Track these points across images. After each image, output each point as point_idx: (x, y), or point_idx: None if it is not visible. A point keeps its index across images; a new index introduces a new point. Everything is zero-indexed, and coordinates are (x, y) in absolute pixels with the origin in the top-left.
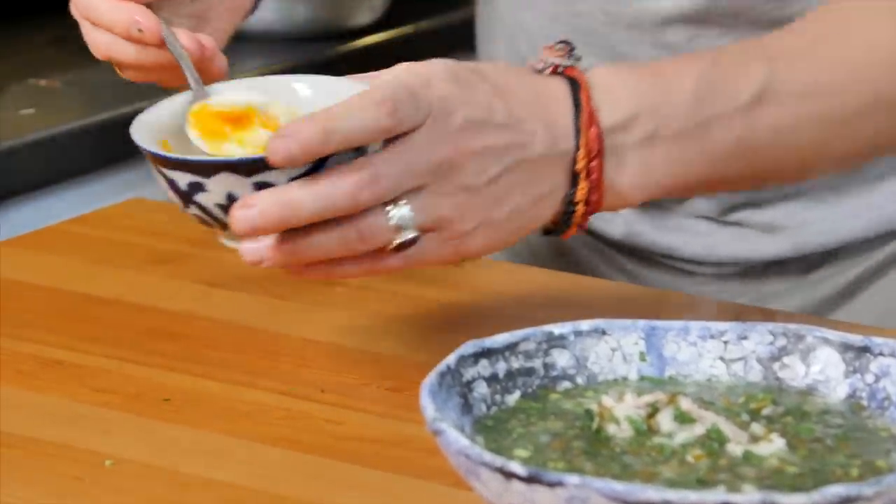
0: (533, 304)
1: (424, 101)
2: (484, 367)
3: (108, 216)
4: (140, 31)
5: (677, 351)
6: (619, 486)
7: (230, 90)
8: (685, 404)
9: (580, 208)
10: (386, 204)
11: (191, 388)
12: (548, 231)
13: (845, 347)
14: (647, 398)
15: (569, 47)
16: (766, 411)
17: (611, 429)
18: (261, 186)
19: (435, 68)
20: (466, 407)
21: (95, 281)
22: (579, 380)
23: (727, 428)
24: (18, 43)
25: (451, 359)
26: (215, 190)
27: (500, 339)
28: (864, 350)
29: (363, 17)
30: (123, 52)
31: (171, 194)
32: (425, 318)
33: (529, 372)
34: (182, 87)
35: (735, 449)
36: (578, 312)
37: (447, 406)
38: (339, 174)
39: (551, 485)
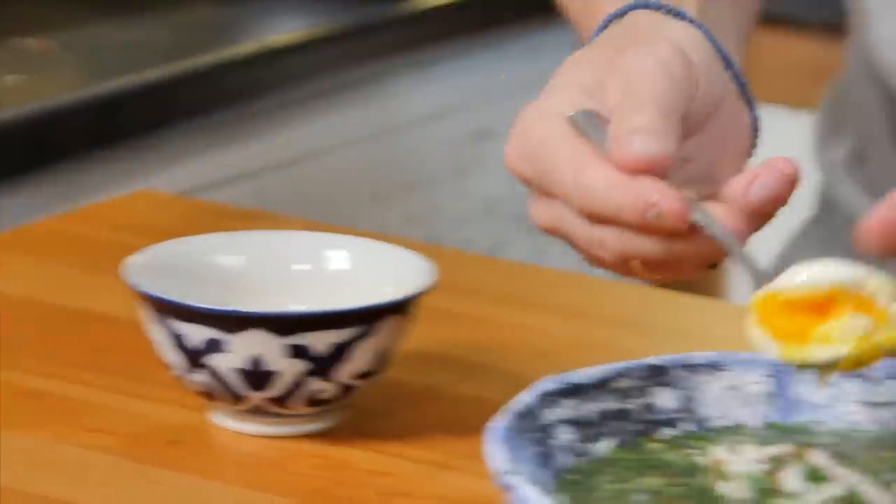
0: (636, 326)
1: None
2: (569, 407)
3: (108, 211)
4: (658, 215)
5: (811, 392)
6: None
7: (791, 273)
8: (818, 459)
9: None
10: None
11: (201, 429)
12: None
13: None
14: (771, 450)
15: None
16: None
17: (723, 488)
18: None
19: None
20: (546, 457)
21: (92, 292)
22: (687, 426)
23: (868, 489)
24: None
25: (527, 396)
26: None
27: (588, 374)
28: None
29: None
30: (641, 248)
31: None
32: (494, 343)
33: (625, 415)
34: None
35: None
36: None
37: (522, 456)
38: None
39: None
